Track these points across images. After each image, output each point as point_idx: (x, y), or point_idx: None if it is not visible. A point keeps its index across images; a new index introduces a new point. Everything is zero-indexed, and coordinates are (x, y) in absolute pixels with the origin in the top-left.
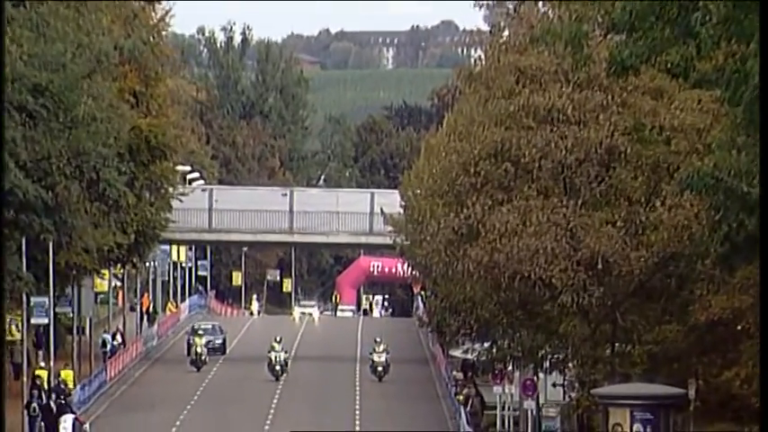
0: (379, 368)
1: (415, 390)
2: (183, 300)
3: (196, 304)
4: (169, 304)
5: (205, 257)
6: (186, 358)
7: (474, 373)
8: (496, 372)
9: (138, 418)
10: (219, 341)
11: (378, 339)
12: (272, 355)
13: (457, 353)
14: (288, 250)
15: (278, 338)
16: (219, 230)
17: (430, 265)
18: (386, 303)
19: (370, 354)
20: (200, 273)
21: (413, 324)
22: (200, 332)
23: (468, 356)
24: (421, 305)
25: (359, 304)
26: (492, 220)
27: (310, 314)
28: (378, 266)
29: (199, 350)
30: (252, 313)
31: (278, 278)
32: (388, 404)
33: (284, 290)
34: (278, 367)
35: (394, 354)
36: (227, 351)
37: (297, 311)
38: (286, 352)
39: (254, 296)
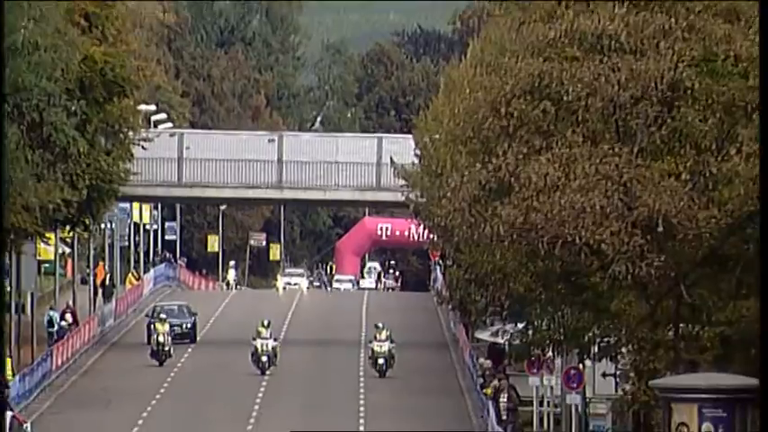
0: (380, 360)
1: (432, 382)
2: (146, 270)
3: (163, 276)
4: (130, 276)
5: (174, 218)
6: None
7: (505, 361)
8: (533, 359)
9: (91, 416)
10: (188, 325)
11: (379, 324)
12: (259, 343)
13: (484, 335)
14: (276, 209)
15: (265, 322)
16: (192, 185)
17: (451, 228)
18: (396, 274)
19: (370, 342)
20: (167, 237)
21: (430, 300)
22: (163, 315)
23: (498, 340)
24: (440, 276)
25: (363, 275)
26: (527, 172)
27: (297, 285)
28: (386, 229)
29: (161, 339)
30: (229, 285)
31: (263, 244)
32: (399, 400)
33: (271, 258)
34: (264, 358)
35: (406, 337)
36: (199, 337)
37: (281, 282)
38: (275, 339)
39: (231, 263)
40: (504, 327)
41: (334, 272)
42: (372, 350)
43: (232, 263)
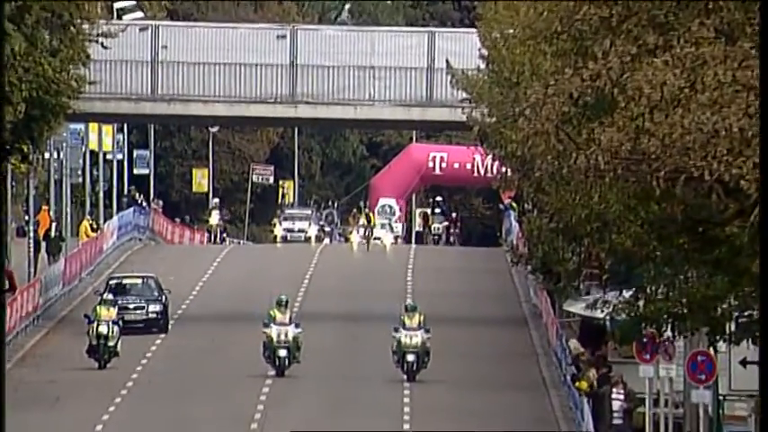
0: (410, 357)
1: (504, 372)
2: (107, 217)
3: (130, 225)
4: (84, 225)
5: (146, 145)
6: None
7: (605, 343)
8: (644, 340)
9: (31, 419)
10: (157, 309)
11: (409, 303)
12: (274, 331)
13: (576, 308)
14: (288, 133)
15: (282, 299)
16: (170, 99)
17: (530, 159)
18: (456, 223)
19: (396, 331)
20: (137, 171)
21: (500, 258)
22: (109, 296)
23: (596, 314)
24: (514, 226)
25: (409, 224)
26: (637, 80)
27: (301, 233)
28: (441, 160)
29: (103, 329)
30: (211, 234)
31: (270, 180)
32: (457, 398)
33: (281, 199)
34: (282, 353)
35: (468, 310)
36: (170, 325)
37: (279, 229)
38: (297, 325)
39: (214, 202)
40: (603, 296)
41: (372, 221)
42: (399, 342)
43: (215, 201)
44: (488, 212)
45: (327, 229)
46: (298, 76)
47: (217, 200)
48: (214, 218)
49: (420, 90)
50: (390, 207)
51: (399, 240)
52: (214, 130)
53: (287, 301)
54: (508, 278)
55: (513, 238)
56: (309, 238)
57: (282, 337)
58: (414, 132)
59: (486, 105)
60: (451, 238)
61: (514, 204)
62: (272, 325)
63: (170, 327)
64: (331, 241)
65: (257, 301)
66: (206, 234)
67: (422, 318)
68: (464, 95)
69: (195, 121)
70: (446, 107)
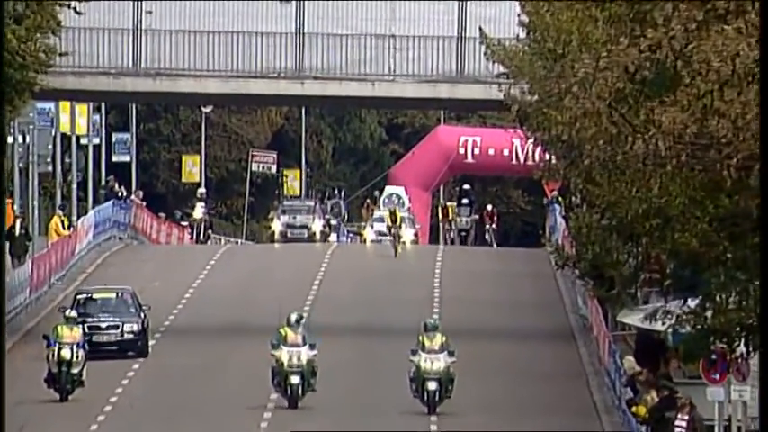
0: (431, 385)
1: (548, 395)
2: (82, 212)
3: (108, 221)
4: (55, 221)
5: (127, 128)
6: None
7: (666, 361)
8: (713, 357)
9: None
10: (132, 328)
11: (431, 321)
12: (284, 354)
13: (632, 318)
14: (293, 114)
15: (293, 318)
16: (156, 73)
17: (579, 144)
18: (492, 218)
19: (413, 354)
20: (116, 158)
21: (543, 260)
22: (73, 314)
23: (656, 326)
24: (560, 223)
25: (435, 220)
26: (704, 50)
27: (304, 228)
28: (473, 145)
29: (65, 354)
30: (193, 231)
31: (272, 169)
32: (494, 425)
33: (286, 191)
34: (295, 379)
35: (507, 321)
36: (152, 345)
37: (278, 225)
38: (312, 346)
39: (199, 192)
40: (665, 305)
41: (369, 213)
42: (417, 367)
43: (200, 191)
44: (529, 207)
45: (334, 222)
46: (305, 46)
47: (203, 189)
48: (198, 211)
49: (449, 63)
50: (399, 197)
51: (419, 239)
52: (207, 110)
53: (300, 318)
54: (552, 284)
55: (558, 236)
56: (314, 234)
57: (295, 361)
58: (441, 113)
59: (527, 81)
60: (486, 236)
61: (560, 198)
62: (281, 346)
63: (150, 348)
64: (338, 238)
65: (257, 311)
66: (188, 230)
67: (444, 339)
68: (500, 69)
69: (185, 100)
70: (479, 83)
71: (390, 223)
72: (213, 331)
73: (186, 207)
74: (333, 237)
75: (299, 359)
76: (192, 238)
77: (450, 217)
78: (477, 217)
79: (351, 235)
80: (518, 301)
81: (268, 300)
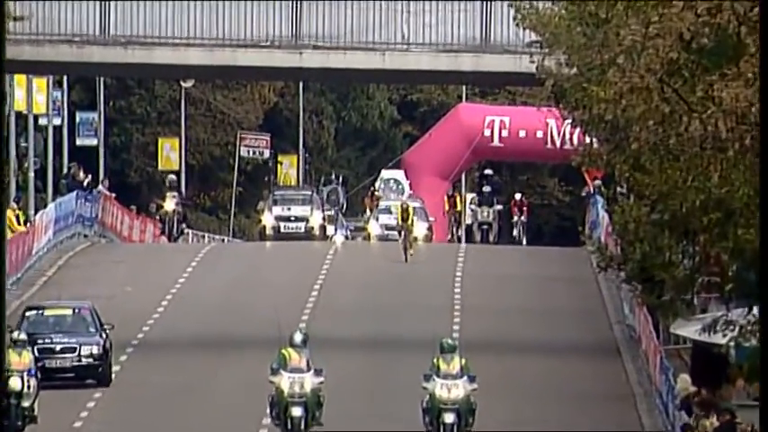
0: (448, 417)
1: (590, 419)
2: (41, 205)
3: (72, 216)
4: (9, 216)
5: (94, 106)
6: None
7: (727, 379)
8: None
9: None
10: (92, 351)
11: (448, 341)
12: (285, 381)
13: (688, 330)
14: (290, 89)
15: (304, 337)
16: (127, 41)
17: (625, 124)
18: (522, 209)
19: (426, 381)
20: (81, 141)
21: (583, 261)
22: (23, 336)
23: (716, 339)
24: (603, 217)
25: (458, 216)
26: None
27: (301, 221)
28: (501, 126)
29: (14, 384)
30: (165, 224)
31: (265, 154)
32: None
33: (281, 180)
34: (297, 411)
35: (541, 333)
36: (121, 364)
37: (269, 219)
38: (318, 372)
39: (169, 179)
40: (726, 314)
41: (372, 203)
42: (432, 396)
43: (171, 178)
44: (566, 199)
45: (331, 213)
46: (303, 11)
47: (173, 176)
48: (170, 202)
49: (472, 30)
50: (397, 183)
51: (433, 234)
52: (187, 85)
53: (306, 339)
54: (594, 289)
55: (600, 233)
56: (312, 228)
57: (297, 390)
58: (463, 88)
59: (564, 51)
60: (514, 232)
61: (602, 187)
62: (282, 372)
63: (116, 372)
64: (336, 230)
65: (247, 322)
66: (159, 224)
67: (464, 362)
68: (533, 37)
69: (161, 73)
70: (508, 53)
71: (401, 221)
72: (195, 346)
73: (159, 198)
74: (332, 231)
75: (301, 387)
76: (162, 233)
77: (459, 208)
78: (500, 208)
79: (352, 228)
80: (553, 310)
81: (260, 308)
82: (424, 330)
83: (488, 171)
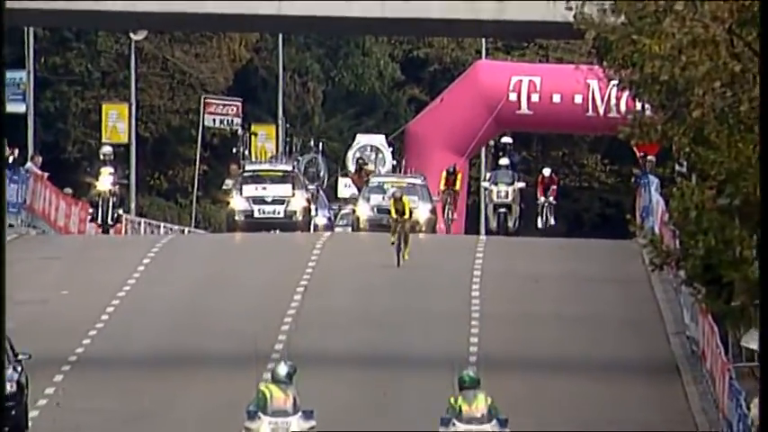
0: None
1: None
2: None
3: None
4: None
5: (22, 64)
6: None
7: None
8: None
9: None
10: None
11: (468, 374)
12: (266, 426)
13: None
14: (267, 44)
15: (290, 370)
16: None
17: (686, 87)
18: (550, 186)
19: (445, 425)
20: (6, 108)
21: (633, 257)
22: None
23: None
24: (658, 202)
25: (453, 194)
26: None
27: (279, 203)
28: (530, 88)
29: None
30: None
31: (236, 122)
32: None
33: (255, 154)
34: None
35: (582, 346)
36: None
37: (239, 202)
38: (308, 415)
39: (104, 152)
40: None
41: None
42: None
43: (106, 151)
44: (610, 180)
45: (312, 187)
46: None
47: (108, 149)
48: (104, 181)
49: None
50: (377, 150)
51: (437, 219)
52: (139, 38)
53: (293, 372)
54: (646, 292)
55: (654, 223)
56: (293, 213)
57: None
58: (483, 42)
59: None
60: (546, 215)
61: (657, 166)
62: (261, 416)
63: (30, 419)
64: (316, 211)
65: (213, 335)
66: (90, 208)
67: (490, 401)
68: None
69: (106, 22)
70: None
71: (396, 216)
72: (148, 363)
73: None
74: (317, 214)
75: None
76: (92, 219)
77: (458, 187)
78: (522, 185)
79: (333, 209)
80: (595, 319)
81: (228, 318)
82: (434, 345)
83: (506, 139)
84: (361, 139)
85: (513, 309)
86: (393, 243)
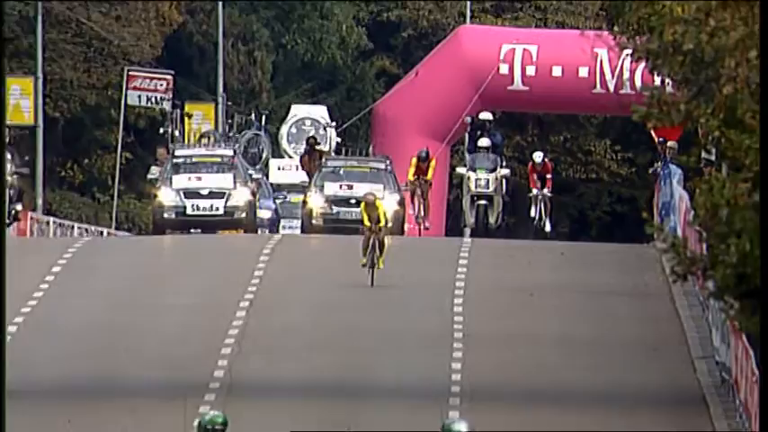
0: None
1: None
2: None
3: None
4: None
5: None
6: None
7: None
8: None
9: None
10: None
11: (454, 427)
12: None
13: None
14: (203, 4)
15: (223, 421)
16: None
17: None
18: (545, 176)
19: None
20: None
21: (650, 266)
22: None
23: None
24: (680, 197)
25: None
26: None
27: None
28: (525, 59)
29: None
30: None
31: (166, 101)
32: None
33: (188, 138)
34: None
35: (589, 373)
36: None
37: (168, 195)
38: None
39: None
40: None
41: None
42: None
43: None
44: (623, 170)
45: (257, 176)
46: None
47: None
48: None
49: None
50: (317, 124)
51: (405, 212)
52: None
53: (225, 426)
54: (666, 308)
55: (676, 222)
56: (234, 209)
57: None
58: (467, 2)
59: None
60: (533, 211)
61: (675, 152)
62: None
63: None
64: (257, 200)
65: (136, 361)
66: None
67: None
68: None
69: None
70: None
71: (369, 224)
72: (55, 394)
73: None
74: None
75: None
76: None
77: (430, 176)
78: (507, 172)
79: (282, 197)
80: (604, 341)
81: (156, 339)
82: (408, 372)
83: (485, 114)
84: (298, 111)
85: (505, 328)
86: (364, 265)
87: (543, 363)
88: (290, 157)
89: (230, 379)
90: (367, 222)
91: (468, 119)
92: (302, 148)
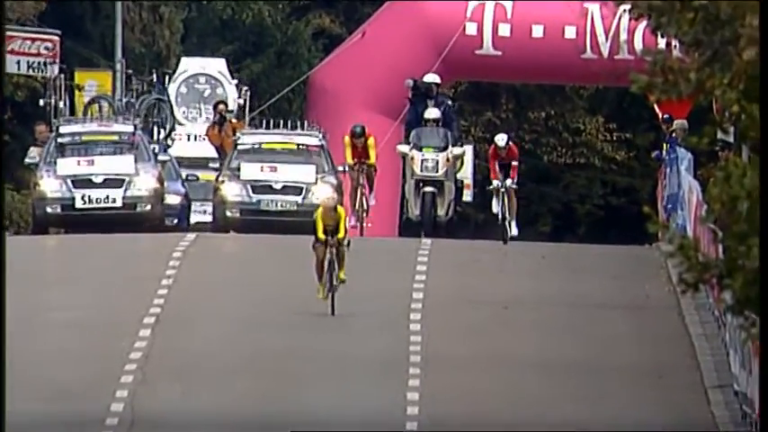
0: None
1: None
2: None
3: None
4: None
5: None
6: None
7: None
8: None
9: None
10: None
11: None
12: None
13: None
14: None
15: None
16: None
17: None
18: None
19: None
20: None
21: (654, 273)
22: None
23: None
24: (691, 187)
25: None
26: None
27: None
28: (498, 18)
29: None
30: None
31: (53, 68)
32: None
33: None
34: None
35: (580, 406)
36: None
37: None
38: None
39: None
40: None
41: None
42: None
43: None
44: (619, 155)
45: (164, 157)
46: None
47: None
48: None
49: None
50: (213, 81)
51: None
52: None
53: None
54: (674, 325)
55: (685, 219)
56: (137, 201)
57: None
58: None
59: None
60: (495, 206)
61: (688, 133)
62: None
63: None
64: (162, 184)
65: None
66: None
67: None
68: None
69: None
70: None
71: (324, 237)
72: None
73: None
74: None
75: None
76: None
77: (372, 160)
78: (461, 151)
79: (194, 177)
80: (597, 365)
81: (40, 364)
82: (355, 404)
83: (431, 77)
84: (189, 65)
85: (472, 350)
86: (323, 298)
87: (519, 393)
88: (181, 124)
89: (131, 413)
90: (321, 235)
91: (410, 82)
92: (196, 113)
